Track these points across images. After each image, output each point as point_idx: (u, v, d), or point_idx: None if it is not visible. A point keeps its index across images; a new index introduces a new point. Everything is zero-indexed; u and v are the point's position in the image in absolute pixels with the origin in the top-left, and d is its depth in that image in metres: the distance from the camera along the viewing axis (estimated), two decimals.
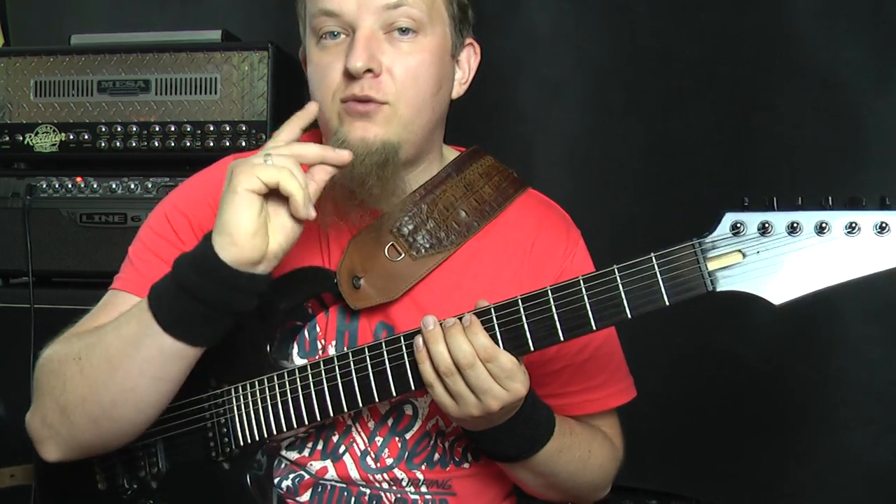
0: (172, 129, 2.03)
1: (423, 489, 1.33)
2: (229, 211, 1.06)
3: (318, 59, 1.24)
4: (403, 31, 1.22)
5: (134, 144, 2.04)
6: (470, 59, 1.37)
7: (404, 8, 1.21)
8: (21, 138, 2.07)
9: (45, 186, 2.05)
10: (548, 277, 1.33)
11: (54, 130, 2.06)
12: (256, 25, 2.47)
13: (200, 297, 1.08)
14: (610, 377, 1.39)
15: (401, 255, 1.29)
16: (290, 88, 2.14)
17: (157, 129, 2.03)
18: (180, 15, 2.53)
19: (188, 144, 2.02)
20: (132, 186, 2.02)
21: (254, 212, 1.06)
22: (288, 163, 1.07)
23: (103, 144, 2.05)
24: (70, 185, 2.04)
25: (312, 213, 1.08)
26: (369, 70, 1.19)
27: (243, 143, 2.00)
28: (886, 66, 2.07)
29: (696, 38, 2.23)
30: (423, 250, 1.30)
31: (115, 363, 1.13)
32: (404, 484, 1.32)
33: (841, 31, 2.10)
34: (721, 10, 2.20)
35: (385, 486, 1.32)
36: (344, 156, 1.13)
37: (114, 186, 2.03)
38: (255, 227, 1.06)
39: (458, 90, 1.35)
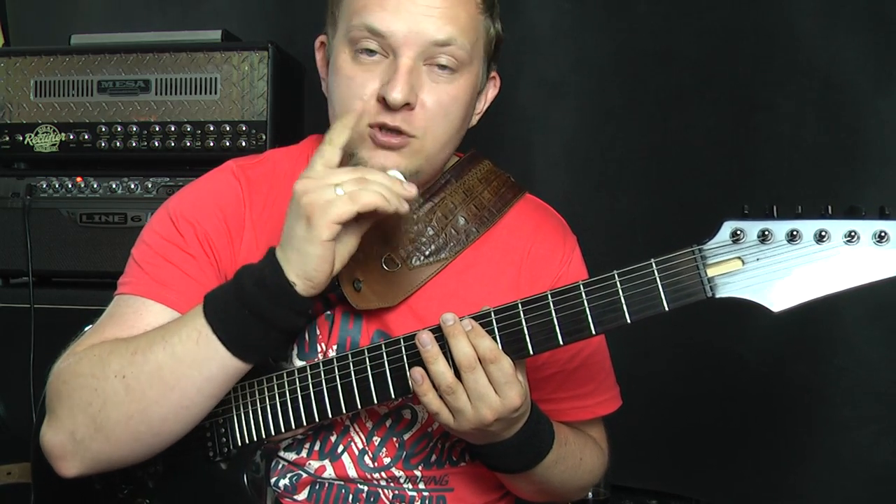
0: (172, 129, 2.03)
1: (421, 486, 1.34)
2: (314, 261, 1.07)
3: (351, 73, 1.21)
4: (442, 66, 1.21)
5: (134, 144, 2.04)
6: (488, 92, 1.36)
7: (452, 48, 1.20)
8: (21, 138, 2.07)
9: (45, 186, 2.05)
10: (544, 284, 1.33)
11: (54, 130, 2.06)
12: (256, 25, 2.48)
13: (278, 324, 1.10)
14: (599, 386, 1.40)
15: (398, 265, 1.29)
16: (289, 88, 2.14)
17: (157, 129, 2.03)
18: (180, 15, 2.54)
19: (188, 144, 2.02)
20: (132, 186, 2.02)
21: (332, 258, 1.08)
22: (374, 189, 1.06)
23: (103, 144, 2.05)
24: (70, 185, 2.04)
25: (405, 206, 1.09)
26: (406, 104, 1.18)
27: (243, 143, 2.00)
28: (886, 66, 2.07)
29: (696, 38, 2.23)
30: (421, 258, 1.30)
31: (170, 382, 1.12)
32: (402, 481, 1.33)
33: (841, 31, 2.10)
34: (721, 10, 2.20)
35: (383, 483, 1.33)
36: (411, 192, 1.11)
37: (114, 186, 2.03)
38: (333, 269, 1.09)
39: (474, 120, 1.35)
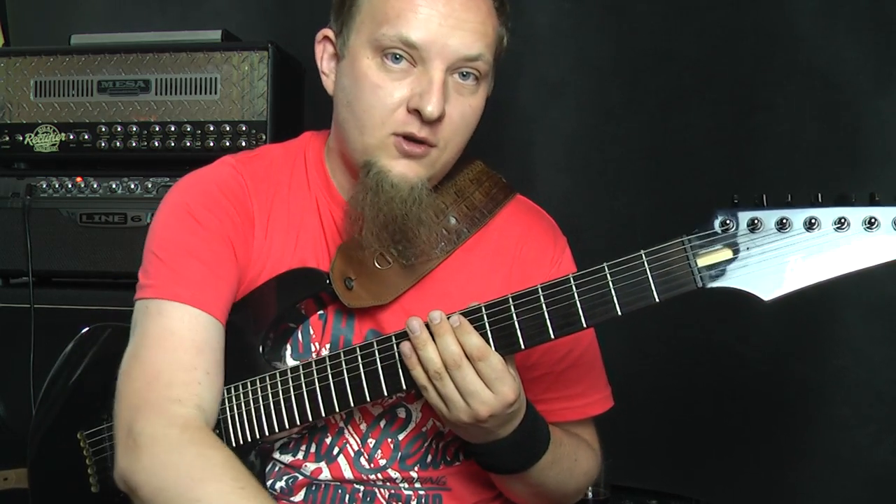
0: (172, 129, 2.02)
1: (418, 485, 1.34)
2: None
3: (378, 80, 1.19)
4: (464, 75, 1.21)
5: (134, 144, 2.04)
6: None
7: (479, 62, 1.21)
8: (21, 138, 2.07)
9: (45, 186, 2.05)
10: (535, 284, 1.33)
11: (54, 130, 2.06)
12: (256, 25, 2.48)
13: None
14: (589, 387, 1.39)
15: (389, 263, 1.29)
16: (290, 88, 2.14)
17: (157, 129, 2.03)
18: (180, 15, 2.54)
19: (188, 144, 2.02)
20: (132, 186, 2.02)
21: None
22: None
23: (103, 144, 2.05)
24: (70, 185, 2.04)
25: None
26: (439, 118, 1.18)
27: (243, 143, 2.00)
28: (886, 66, 2.07)
29: (696, 38, 2.23)
30: (412, 258, 1.29)
31: None
32: (398, 482, 1.33)
33: (841, 31, 2.10)
34: (721, 10, 2.20)
35: (379, 483, 1.32)
36: None
37: (114, 186, 2.03)
38: None
39: None
